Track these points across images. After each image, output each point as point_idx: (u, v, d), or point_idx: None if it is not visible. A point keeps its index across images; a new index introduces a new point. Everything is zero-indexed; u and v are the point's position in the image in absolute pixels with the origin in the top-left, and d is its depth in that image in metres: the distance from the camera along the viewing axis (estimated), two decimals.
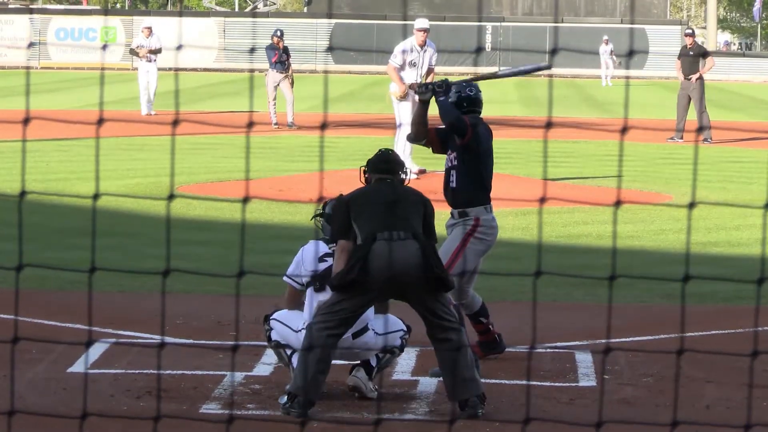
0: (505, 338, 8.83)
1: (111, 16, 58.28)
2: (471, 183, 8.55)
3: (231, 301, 9.77)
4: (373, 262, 7.29)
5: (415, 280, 7.31)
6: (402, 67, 18.06)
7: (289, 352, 7.75)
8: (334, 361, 7.66)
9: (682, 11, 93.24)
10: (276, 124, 26.72)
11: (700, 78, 25.21)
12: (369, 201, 7.50)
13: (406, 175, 7.73)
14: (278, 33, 27.36)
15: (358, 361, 7.77)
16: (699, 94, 25.19)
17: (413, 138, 8.74)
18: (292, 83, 26.95)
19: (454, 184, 8.61)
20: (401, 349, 7.85)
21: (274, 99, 27.08)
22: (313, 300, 7.78)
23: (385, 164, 7.67)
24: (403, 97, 17.95)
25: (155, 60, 29.45)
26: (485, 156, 8.59)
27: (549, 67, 9.38)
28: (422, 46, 18.14)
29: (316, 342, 7.33)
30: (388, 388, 7.92)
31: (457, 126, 8.52)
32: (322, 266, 7.80)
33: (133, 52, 29.91)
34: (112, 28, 58.88)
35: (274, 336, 7.85)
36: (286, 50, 27.07)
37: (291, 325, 7.83)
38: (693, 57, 25.61)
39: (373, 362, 7.74)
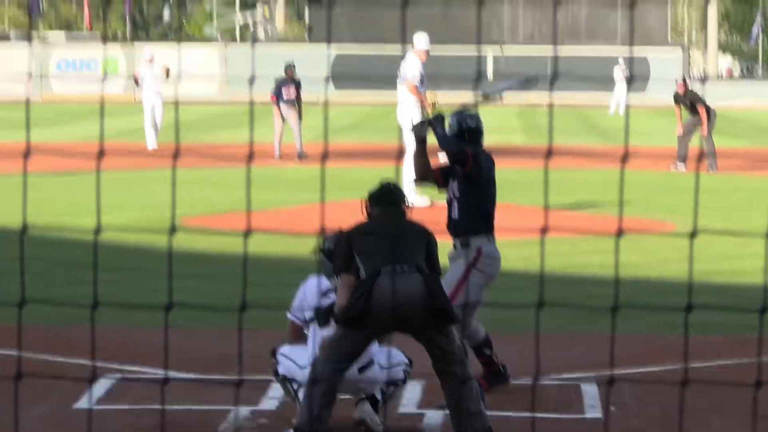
0: (510, 370, 8.80)
1: (112, 44, 58.35)
2: (473, 213, 8.55)
3: (234, 335, 9.74)
4: (376, 296, 7.28)
5: (419, 314, 7.30)
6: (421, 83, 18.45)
7: (295, 386, 7.73)
8: (339, 396, 7.65)
9: (683, 35, 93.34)
10: (280, 156, 26.63)
11: (710, 118, 25.24)
12: (371, 235, 7.49)
13: (408, 206, 7.71)
14: (291, 65, 27.45)
15: (363, 396, 7.75)
16: (710, 127, 25.28)
17: (420, 178, 8.74)
18: (300, 115, 27.04)
19: (455, 215, 8.60)
20: (404, 381, 7.83)
21: (282, 132, 27.13)
22: (317, 335, 7.77)
23: (387, 197, 7.66)
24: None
25: (159, 92, 29.45)
26: (487, 185, 8.59)
27: (537, 79, 9.38)
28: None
29: (322, 376, 7.32)
30: (394, 421, 7.90)
31: (458, 155, 8.53)
32: (326, 302, 7.79)
33: (136, 81, 29.88)
34: (113, 60, 59.02)
35: (280, 370, 7.83)
36: (298, 83, 27.13)
37: (297, 360, 7.81)
38: (689, 104, 25.71)
39: (378, 396, 7.72)
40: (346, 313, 7.31)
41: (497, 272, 8.69)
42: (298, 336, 7.95)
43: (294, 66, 27.59)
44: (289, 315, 7.97)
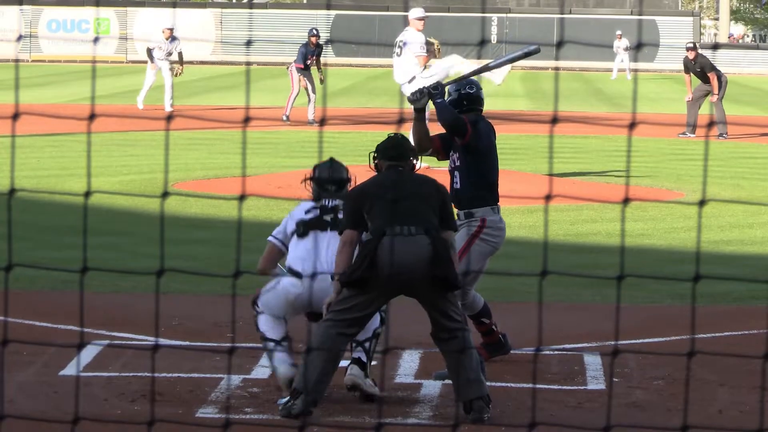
0: (512, 340, 8.64)
1: (104, 7, 57.97)
2: (475, 183, 8.39)
3: (228, 302, 9.57)
4: (381, 259, 7.14)
5: (422, 279, 7.16)
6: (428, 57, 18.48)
7: (271, 345, 7.66)
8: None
9: (694, 2, 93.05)
10: (288, 118, 26.55)
11: (721, 85, 25.06)
12: (380, 192, 7.34)
13: (418, 160, 7.53)
14: (314, 32, 27.36)
15: (353, 357, 7.63)
16: (721, 94, 25.10)
17: (418, 150, 8.55)
18: (321, 79, 27.12)
19: (458, 185, 8.45)
20: (382, 323, 7.67)
21: (297, 95, 26.93)
22: (297, 245, 7.71)
23: (395, 150, 7.51)
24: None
25: (166, 59, 29.41)
26: (488, 154, 8.40)
27: (538, 50, 9.22)
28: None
29: (326, 342, 7.19)
30: (391, 391, 7.75)
31: (456, 126, 8.34)
32: (309, 216, 7.77)
33: (150, 55, 29.62)
34: (105, 20, 58.62)
35: (260, 325, 7.75)
36: (319, 48, 27.25)
37: (275, 311, 7.74)
38: (700, 71, 25.49)
39: (363, 357, 7.56)
40: (349, 275, 7.19)
41: (501, 242, 8.55)
42: (272, 260, 7.91)
43: (318, 32, 27.64)
44: (270, 237, 7.93)
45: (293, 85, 26.96)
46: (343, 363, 7.57)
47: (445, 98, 8.47)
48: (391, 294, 7.31)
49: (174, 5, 62.56)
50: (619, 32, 50.48)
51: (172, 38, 29.34)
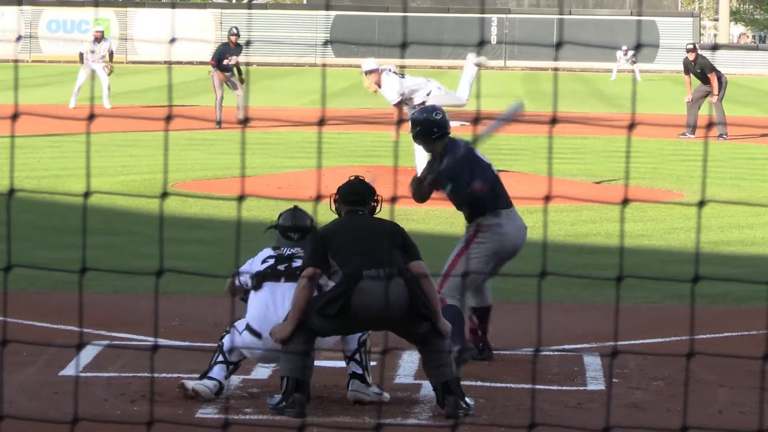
0: (511, 340, 8.63)
1: (104, 7, 57.95)
2: (469, 208, 8.56)
3: (227, 302, 9.55)
4: (357, 300, 7.28)
5: (400, 318, 7.31)
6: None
7: (220, 359, 7.73)
8: (329, 364, 7.55)
9: (693, 3, 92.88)
10: (220, 123, 25.74)
11: (721, 86, 25.03)
12: (346, 236, 7.47)
13: (378, 203, 7.70)
14: (234, 31, 26.84)
15: (349, 373, 7.66)
16: (721, 95, 25.09)
17: (420, 202, 8.77)
18: (242, 79, 26.52)
19: (456, 207, 8.65)
20: (367, 337, 7.72)
21: (222, 98, 26.26)
22: (253, 299, 7.76)
23: (354, 195, 7.66)
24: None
25: (101, 60, 29.62)
26: (466, 188, 8.44)
27: (522, 106, 9.26)
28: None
29: (299, 346, 7.28)
30: (390, 392, 7.74)
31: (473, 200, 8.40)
32: (264, 266, 7.80)
33: (81, 57, 29.87)
34: (104, 20, 58.57)
35: (224, 339, 7.81)
36: (238, 48, 26.68)
37: (232, 358, 7.79)
38: (700, 72, 25.48)
39: (358, 370, 7.57)
40: (323, 309, 7.30)
41: (507, 241, 8.52)
42: (233, 293, 7.96)
43: (238, 32, 27.08)
44: (234, 277, 7.95)
45: (215, 89, 26.27)
46: (340, 364, 7.60)
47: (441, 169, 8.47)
48: (362, 329, 7.50)
49: (173, 6, 62.52)
50: (624, 47, 50.22)
51: (103, 39, 29.69)
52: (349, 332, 7.51)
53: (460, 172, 8.51)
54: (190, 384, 7.62)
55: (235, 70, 26.34)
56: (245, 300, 7.91)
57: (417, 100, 16.76)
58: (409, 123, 8.75)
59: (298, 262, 7.76)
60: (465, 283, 8.43)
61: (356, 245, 7.38)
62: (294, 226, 7.97)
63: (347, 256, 7.35)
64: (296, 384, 7.27)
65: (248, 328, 7.73)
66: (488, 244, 8.49)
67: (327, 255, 7.38)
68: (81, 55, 29.76)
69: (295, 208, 8.09)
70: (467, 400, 7.39)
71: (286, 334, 7.33)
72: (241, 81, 26.10)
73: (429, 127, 8.60)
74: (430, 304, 7.33)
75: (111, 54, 29.88)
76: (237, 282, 7.93)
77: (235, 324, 7.83)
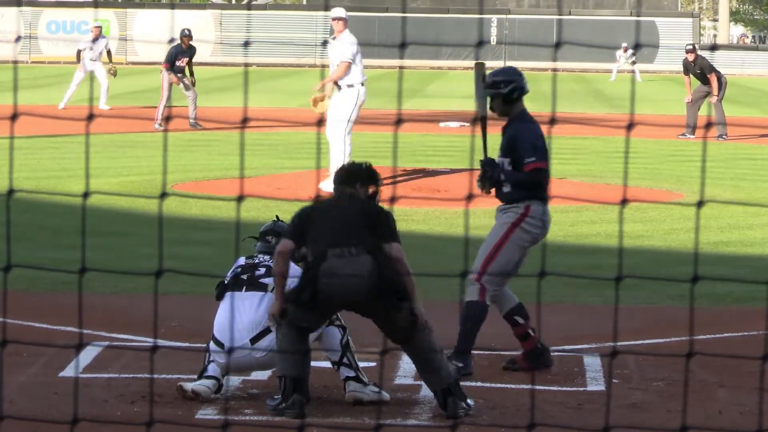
0: (510, 341, 8.60)
1: (103, 8, 57.91)
2: (527, 189, 8.25)
3: None
4: (323, 279, 7.23)
5: (366, 295, 7.23)
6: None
7: (212, 357, 7.72)
8: (329, 364, 7.56)
9: (693, 3, 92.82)
10: (161, 124, 25.21)
11: (721, 86, 25.01)
12: (321, 217, 7.43)
13: (377, 184, 7.53)
14: (186, 32, 26.29)
15: (343, 378, 7.67)
16: (720, 95, 25.08)
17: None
18: (193, 81, 26.25)
19: (507, 188, 8.31)
20: (343, 330, 7.69)
21: (168, 99, 25.69)
22: (218, 310, 7.80)
23: (343, 174, 7.60)
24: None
25: (98, 59, 29.37)
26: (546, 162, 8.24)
27: (481, 66, 8.88)
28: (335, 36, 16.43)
29: (288, 325, 7.28)
30: (390, 392, 7.73)
31: (534, 182, 8.18)
32: (230, 275, 7.84)
33: (78, 56, 29.57)
34: (104, 21, 58.54)
35: (212, 341, 7.83)
36: (191, 50, 26.20)
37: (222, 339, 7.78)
38: (699, 72, 25.46)
39: (350, 373, 7.60)
40: (295, 298, 7.28)
41: (543, 235, 8.32)
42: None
43: (190, 34, 26.71)
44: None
45: (163, 89, 25.66)
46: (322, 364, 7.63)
47: (497, 163, 8.26)
48: (336, 310, 7.45)
49: (173, 6, 62.49)
50: (624, 44, 50.18)
51: (101, 36, 29.42)
52: (326, 315, 7.40)
53: (545, 142, 8.29)
54: (189, 386, 7.62)
55: (186, 71, 25.94)
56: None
57: (359, 67, 16.20)
58: (491, 77, 8.31)
59: (261, 270, 7.79)
60: (510, 272, 8.19)
61: (326, 226, 7.31)
62: (272, 230, 8.03)
63: (317, 236, 7.29)
64: (294, 384, 7.26)
65: (213, 338, 7.77)
66: (534, 232, 8.25)
67: (305, 232, 7.33)
68: (79, 52, 29.42)
69: (277, 218, 8.23)
70: (468, 401, 7.38)
71: (275, 309, 7.36)
72: (193, 83, 25.73)
73: (522, 86, 8.41)
74: (400, 284, 7.19)
75: (109, 53, 29.59)
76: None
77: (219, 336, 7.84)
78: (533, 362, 8.29)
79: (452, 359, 8.03)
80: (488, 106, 8.56)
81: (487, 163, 8.27)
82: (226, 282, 7.83)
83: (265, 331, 7.63)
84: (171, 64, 25.72)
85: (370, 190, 7.53)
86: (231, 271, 7.90)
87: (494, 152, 8.42)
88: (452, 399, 7.29)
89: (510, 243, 8.24)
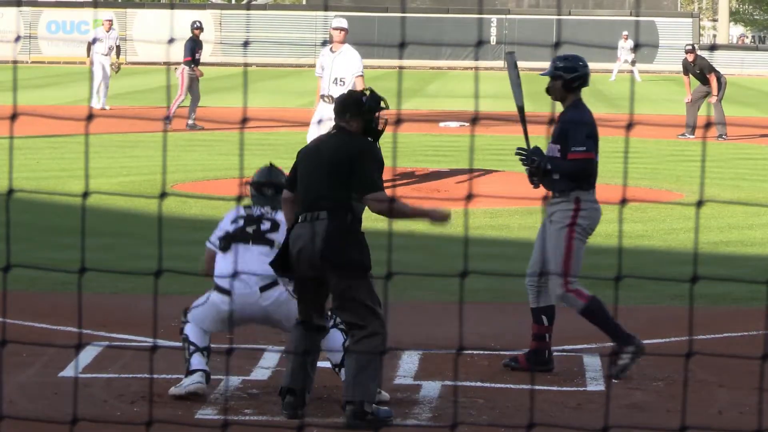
0: (510, 341, 8.62)
1: (103, 8, 57.88)
2: (576, 179, 8.23)
3: None
4: (292, 248, 7.11)
5: (320, 265, 7.02)
6: (321, 75, 16.17)
7: (192, 349, 7.68)
8: (329, 365, 7.57)
9: (693, 3, 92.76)
10: (171, 121, 24.61)
11: (720, 87, 24.98)
12: (306, 164, 7.22)
13: (372, 112, 7.16)
14: (198, 24, 25.93)
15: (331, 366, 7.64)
16: (720, 95, 25.05)
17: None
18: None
19: (557, 176, 8.25)
20: (345, 335, 7.59)
21: (184, 97, 25.26)
22: (221, 261, 7.73)
23: (335, 107, 7.29)
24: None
25: (109, 54, 29.04)
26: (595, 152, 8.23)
27: (512, 55, 9.04)
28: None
29: (296, 339, 7.22)
30: (390, 392, 7.72)
31: (580, 172, 8.13)
32: (233, 227, 7.75)
33: (88, 49, 29.16)
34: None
35: (186, 330, 7.77)
36: (200, 44, 25.71)
37: (202, 325, 7.74)
38: (699, 72, 25.45)
39: (337, 359, 7.56)
40: (273, 261, 7.19)
41: (596, 223, 8.32)
42: (211, 266, 7.90)
43: (202, 26, 26.09)
44: (207, 243, 7.93)
45: (182, 86, 25.16)
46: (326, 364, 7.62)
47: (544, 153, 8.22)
48: (313, 277, 7.10)
49: (172, 6, 62.48)
50: (625, 33, 50.13)
51: (112, 29, 29.15)
52: (309, 287, 7.11)
53: (596, 133, 8.35)
54: (181, 390, 7.57)
55: (114, 55, 25.83)
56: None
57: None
58: (556, 63, 8.28)
59: (266, 225, 7.71)
60: (574, 272, 8.10)
61: (308, 179, 7.14)
62: (269, 182, 7.90)
63: (300, 190, 7.18)
64: (288, 389, 7.21)
65: (216, 288, 7.70)
66: (590, 221, 8.23)
67: (296, 176, 7.25)
68: (89, 45, 28.87)
69: (271, 164, 8.06)
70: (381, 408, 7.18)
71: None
72: (201, 74, 25.19)
73: (585, 76, 8.33)
74: (341, 252, 6.90)
75: (119, 48, 29.09)
76: (211, 246, 7.86)
77: (190, 309, 7.78)
78: (534, 364, 8.27)
79: (622, 354, 8.02)
80: (522, 95, 8.60)
81: (534, 152, 8.24)
82: (230, 233, 7.70)
83: (273, 283, 7.57)
84: (192, 57, 25.30)
85: (367, 119, 7.13)
86: (231, 222, 7.78)
87: (536, 142, 8.39)
88: (350, 407, 7.04)
89: (575, 242, 8.20)
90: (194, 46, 25.37)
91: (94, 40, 28.66)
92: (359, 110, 7.20)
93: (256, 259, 7.59)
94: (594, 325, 8.19)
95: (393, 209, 7.03)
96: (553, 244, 8.22)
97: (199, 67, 25.68)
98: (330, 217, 7.00)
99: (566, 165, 8.18)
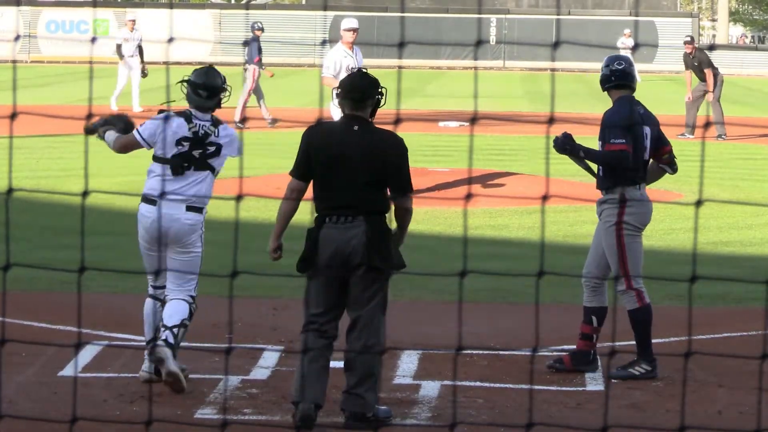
0: (510, 341, 8.62)
1: (102, 8, 57.87)
2: (621, 174, 8.22)
3: (225, 303, 9.55)
4: (321, 248, 7.01)
5: (356, 268, 6.96)
6: (337, 75, 15.99)
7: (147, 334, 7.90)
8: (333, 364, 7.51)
9: (692, 3, 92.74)
10: (242, 122, 24.68)
11: (716, 83, 24.95)
12: (328, 156, 7.00)
13: (381, 95, 7.09)
14: (258, 25, 26.50)
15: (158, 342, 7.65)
16: (717, 93, 25.04)
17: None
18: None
19: (600, 172, 8.29)
20: (190, 320, 7.81)
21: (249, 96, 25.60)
22: (158, 172, 7.74)
23: (355, 92, 7.00)
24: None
25: (136, 54, 29.31)
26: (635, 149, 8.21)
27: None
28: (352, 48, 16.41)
29: (311, 344, 7.12)
30: (390, 392, 7.72)
31: (615, 162, 8.16)
32: (178, 149, 7.77)
33: (119, 51, 29.44)
34: (104, 21, 58.56)
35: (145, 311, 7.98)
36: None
37: (140, 237, 7.89)
38: (697, 65, 25.43)
39: (171, 339, 7.61)
40: (300, 264, 7.07)
41: (648, 219, 8.30)
42: (126, 149, 8.00)
43: (262, 27, 26.60)
44: (135, 133, 7.89)
45: (251, 86, 25.36)
46: (339, 364, 7.58)
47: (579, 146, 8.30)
48: (338, 278, 7.06)
49: (171, 6, 62.47)
50: (627, 30, 50.04)
51: (135, 29, 29.35)
52: (337, 286, 7.00)
53: (639, 129, 8.23)
54: (169, 368, 7.53)
55: (138, 54, 26.21)
56: (102, 138, 7.92)
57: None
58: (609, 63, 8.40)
59: (210, 149, 7.78)
60: (635, 272, 8.09)
61: (333, 175, 6.92)
62: (204, 84, 7.85)
63: (323, 187, 6.98)
64: (316, 405, 7.07)
65: (144, 198, 7.77)
66: (639, 216, 8.20)
67: (310, 166, 7.02)
68: (118, 47, 29.20)
69: (210, 66, 8.05)
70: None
71: (272, 245, 7.22)
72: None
73: (622, 73, 8.44)
74: (384, 254, 6.84)
75: (141, 50, 29.03)
76: (141, 140, 7.84)
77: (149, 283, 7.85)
78: (578, 363, 8.28)
79: (637, 365, 8.08)
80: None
81: (566, 136, 8.32)
82: (177, 156, 7.70)
83: (200, 209, 7.76)
84: (260, 57, 25.73)
85: (377, 99, 7.06)
86: (174, 140, 7.74)
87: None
88: (352, 413, 7.03)
89: (628, 240, 8.18)
90: (259, 45, 25.91)
91: (122, 42, 29.04)
92: (377, 90, 7.14)
93: (195, 186, 7.76)
94: (632, 329, 8.20)
95: (411, 211, 7.08)
96: (607, 244, 8.26)
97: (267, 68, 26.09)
98: (368, 221, 6.94)
99: (599, 153, 8.25)
